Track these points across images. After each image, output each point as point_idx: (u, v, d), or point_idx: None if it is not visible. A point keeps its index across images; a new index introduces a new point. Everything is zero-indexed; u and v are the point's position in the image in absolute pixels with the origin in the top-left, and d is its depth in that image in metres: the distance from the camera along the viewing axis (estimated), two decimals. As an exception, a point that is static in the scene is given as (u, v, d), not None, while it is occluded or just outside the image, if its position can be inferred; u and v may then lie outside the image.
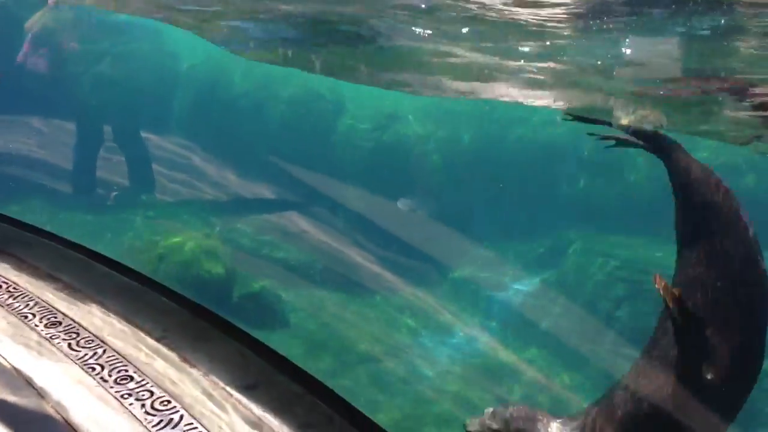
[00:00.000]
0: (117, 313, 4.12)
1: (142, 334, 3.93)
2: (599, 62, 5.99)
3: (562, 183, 9.23)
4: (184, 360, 3.71)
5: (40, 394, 3.33)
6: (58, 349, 3.71)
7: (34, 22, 11.40)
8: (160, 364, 3.65)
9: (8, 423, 3.13)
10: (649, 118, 5.57)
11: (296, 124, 11.26)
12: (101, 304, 4.21)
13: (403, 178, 10.17)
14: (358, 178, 10.34)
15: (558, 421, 4.25)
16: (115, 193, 10.51)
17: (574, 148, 9.56)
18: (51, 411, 3.23)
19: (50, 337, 3.80)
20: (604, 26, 5.12)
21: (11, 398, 3.29)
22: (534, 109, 9.94)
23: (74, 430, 3.12)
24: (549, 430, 4.20)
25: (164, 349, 3.80)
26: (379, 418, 3.78)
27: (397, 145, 10.53)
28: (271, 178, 10.57)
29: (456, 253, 8.83)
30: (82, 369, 3.55)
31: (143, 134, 11.67)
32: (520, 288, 8.03)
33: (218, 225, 9.08)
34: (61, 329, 3.90)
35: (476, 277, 8.32)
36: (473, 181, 9.81)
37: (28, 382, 3.41)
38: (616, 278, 7.49)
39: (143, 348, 3.79)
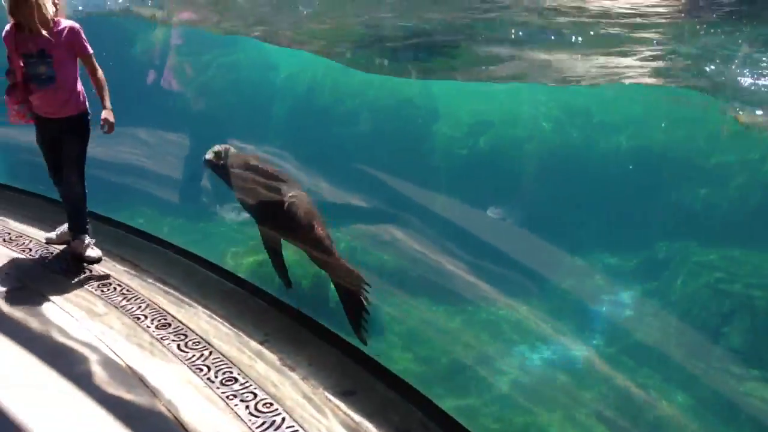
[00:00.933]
0: (222, 317, 4.29)
1: (245, 337, 4.08)
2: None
3: (663, 191, 8.94)
4: (285, 363, 3.84)
5: (153, 392, 3.51)
6: (168, 349, 3.90)
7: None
8: (261, 367, 3.79)
9: (123, 419, 3.32)
10: None
11: (389, 132, 11.38)
12: (207, 307, 4.40)
13: (497, 186, 10.10)
14: (452, 186, 10.34)
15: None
16: (220, 201, 10.89)
17: (676, 154, 9.26)
18: (163, 409, 3.40)
19: (161, 338, 4.00)
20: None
21: (126, 396, 3.49)
22: (634, 114, 9.69)
23: (184, 428, 3.28)
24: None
25: (266, 352, 3.94)
26: (473, 427, 3.78)
27: (491, 152, 10.47)
28: (365, 186, 10.71)
29: (552, 264, 8.69)
30: (191, 369, 3.72)
31: (242, 143, 12.05)
32: (618, 300, 7.83)
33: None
34: (171, 331, 4.10)
35: (572, 288, 8.16)
36: (570, 189, 9.63)
37: (142, 381, 3.60)
38: (723, 292, 7.19)
39: (246, 351, 3.94)
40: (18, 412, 3.33)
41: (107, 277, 4.70)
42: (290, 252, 7.72)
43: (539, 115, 10.69)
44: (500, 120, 10.85)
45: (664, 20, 9.07)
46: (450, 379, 6.26)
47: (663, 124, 9.24)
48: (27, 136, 4.79)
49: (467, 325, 7.35)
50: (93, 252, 4.88)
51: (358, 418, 3.43)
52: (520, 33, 9.44)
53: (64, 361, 3.73)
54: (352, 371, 3.88)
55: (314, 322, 4.37)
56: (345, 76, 11.94)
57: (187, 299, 4.47)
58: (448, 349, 6.82)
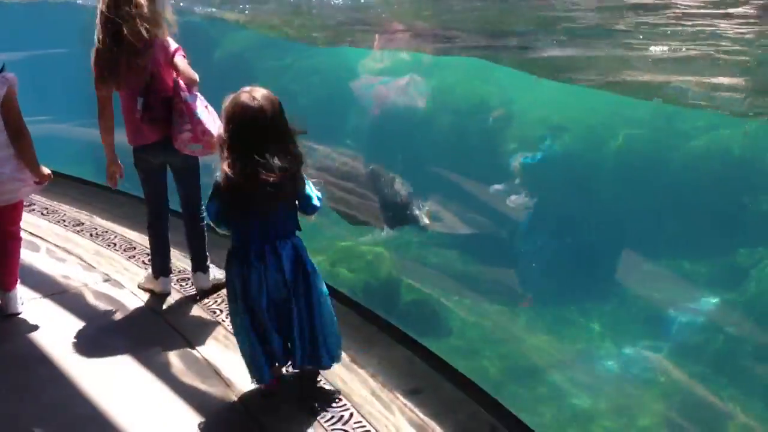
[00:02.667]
0: (293, 313, 4.37)
1: (316, 334, 4.15)
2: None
3: (745, 197, 8.62)
4: (354, 360, 3.89)
5: (227, 383, 3.63)
6: (241, 344, 4.01)
7: None
8: (331, 364, 3.85)
9: (198, 408, 3.45)
10: None
11: (464, 134, 11.36)
12: (280, 304, 4.49)
13: (571, 189, 9.94)
14: (527, 188, 10.24)
15: None
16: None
17: (760, 158, 8.91)
18: (235, 400, 3.51)
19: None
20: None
21: (201, 386, 3.62)
22: (718, 117, 9.37)
23: (255, 420, 3.37)
24: None
25: (336, 349, 4.00)
26: (541, 430, 3.75)
27: (565, 154, 10.32)
28: (436, 187, 10.71)
29: (627, 269, 8.50)
30: (264, 365, 3.81)
31: (318, 145, 12.25)
32: (696, 308, 7.60)
33: (386, 233, 9.34)
34: (245, 325, 4.20)
35: (648, 294, 7.97)
36: (649, 193, 9.40)
37: (216, 373, 3.73)
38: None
39: (316, 347, 4.01)
40: (102, 399, 3.50)
41: (185, 272, 4.87)
42: (362, 255, 7.84)
43: (620, 117, 10.48)
44: (580, 121, 10.69)
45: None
46: (519, 382, 6.22)
47: (747, 128, 8.90)
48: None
49: (539, 329, 7.28)
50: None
51: (424, 416, 3.45)
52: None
53: (145, 351, 3.89)
54: (420, 370, 3.91)
55: (384, 321, 4.42)
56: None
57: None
58: (518, 351, 6.77)
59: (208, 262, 4.59)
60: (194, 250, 4.56)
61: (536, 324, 7.41)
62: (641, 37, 8.55)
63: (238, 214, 3.32)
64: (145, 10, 3.94)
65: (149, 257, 4.67)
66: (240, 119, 3.19)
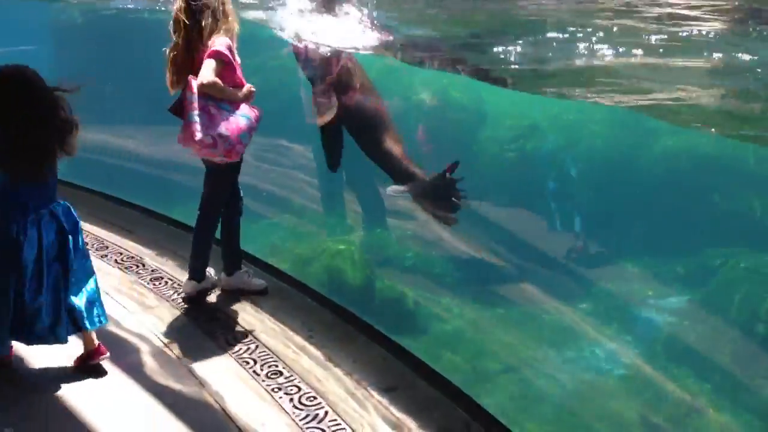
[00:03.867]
0: (268, 312, 4.39)
1: (291, 333, 4.17)
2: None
3: (712, 198, 8.77)
4: (329, 359, 3.90)
5: (201, 383, 3.62)
6: (216, 343, 4.00)
7: None
8: (306, 362, 3.86)
9: (171, 408, 3.43)
10: None
11: (437, 134, 11.40)
12: (254, 302, 4.50)
13: (544, 189, 10.03)
14: (499, 188, 10.30)
15: None
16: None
17: (728, 160, 9.06)
18: (210, 399, 3.50)
19: (209, 332, 4.11)
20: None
21: (175, 386, 3.60)
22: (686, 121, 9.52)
23: (230, 418, 3.36)
24: None
25: (311, 348, 4.01)
26: (515, 427, 3.79)
27: (538, 155, 10.41)
28: (413, 189, 10.73)
29: (598, 267, 8.60)
30: (237, 362, 3.82)
31: (292, 144, 12.21)
32: (665, 305, 7.70)
33: (360, 232, 9.34)
34: (219, 325, 4.20)
35: (619, 292, 8.06)
36: (619, 193, 9.51)
37: (191, 372, 3.71)
38: (774, 299, 7.03)
39: (291, 345, 4.02)
40: (73, 399, 3.46)
41: (157, 270, 4.84)
42: (336, 253, 7.83)
43: (590, 120, 10.59)
44: (549, 124, 10.78)
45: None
46: (493, 380, 6.25)
47: (713, 130, 9.04)
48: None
49: (512, 327, 7.32)
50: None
51: (400, 414, 3.47)
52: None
53: (117, 350, 3.85)
54: (395, 368, 3.93)
55: (359, 320, 4.44)
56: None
57: (234, 294, 4.57)
58: (492, 350, 6.80)
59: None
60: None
61: (510, 322, 7.45)
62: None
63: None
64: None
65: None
66: None
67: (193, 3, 4.01)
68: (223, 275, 4.61)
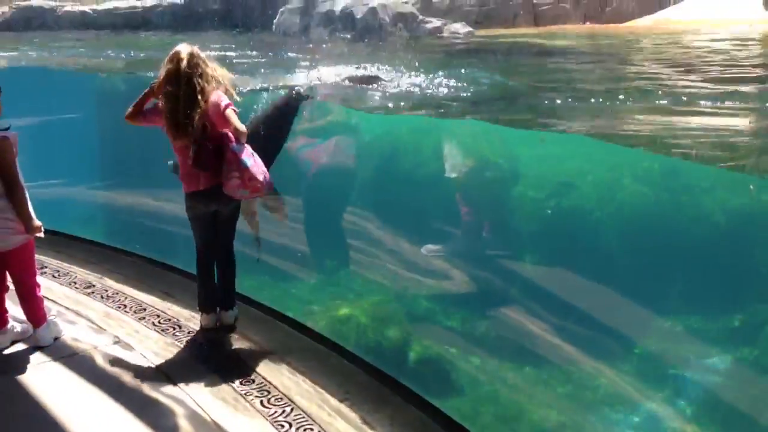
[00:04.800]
0: (303, 373, 4.36)
1: (326, 395, 4.13)
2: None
3: (758, 252, 8.59)
4: (365, 421, 3.85)
5: (236, 446, 3.59)
6: (251, 405, 3.98)
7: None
8: (342, 425, 3.81)
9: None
10: None
11: (471, 192, 11.42)
12: (289, 364, 4.48)
13: (581, 247, 9.93)
14: (534, 247, 10.23)
15: None
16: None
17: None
18: (245, 463, 3.46)
19: (245, 394, 4.10)
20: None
21: (211, 449, 3.58)
22: (721, 174, 9.43)
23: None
24: None
25: (346, 410, 3.96)
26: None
27: (574, 212, 10.35)
28: (445, 247, 10.72)
29: (639, 326, 8.41)
30: (273, 425, 3.79)
31: (326, 203, 12.34)
32: (710, 365, 7.48)
33: (395, 292, 9.31)
34: (254, 387, 4.19)
35: (662, 351, 7.86)
36: (658, 248, 9.38)
37: (226, 435, 3.69)
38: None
39: (326, 408, 3.98)
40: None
41: (196, 333, 4.87)
42: (364, 312, 7.82)
43: (629, 175, 10.54)
44: (582, 180, 10.75)
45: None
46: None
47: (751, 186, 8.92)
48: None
49: (551, 388, 7.17)
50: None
51: (437, 479, 3.39)
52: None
53: (153, 413, 3.86)
54: (432, 431, 3.86)
55: (395, 381, 4.39)
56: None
57: (270, 355, 4.57)
58: (530, 412, 6.66)
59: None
60: (225, 291, 4.97)
61: (549, 383, 7.30)
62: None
63: None
64: (206, 69, 4.51)
65: (158, 318, 5.03)
66: None
67: (192, 63, 4.48)
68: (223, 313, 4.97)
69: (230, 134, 4.53)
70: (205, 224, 4.80)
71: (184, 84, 4.43)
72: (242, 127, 4.53)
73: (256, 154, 4.59)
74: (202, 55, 4.56)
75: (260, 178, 4.51)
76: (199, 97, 4.43)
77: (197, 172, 4.56)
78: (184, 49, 4.52)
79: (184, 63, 4.45)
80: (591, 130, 9.31)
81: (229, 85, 4.65)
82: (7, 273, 4.55)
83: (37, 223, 4.42)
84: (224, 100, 4.53)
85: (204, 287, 4.91)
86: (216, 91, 4.54)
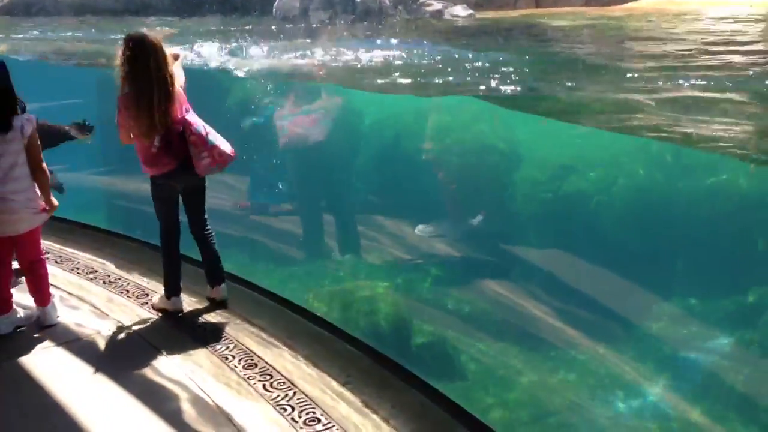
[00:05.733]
0: (305, 357, 4.38)
1: (328, 378, 4.14)
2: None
3: (761, 235, 8.58)
4: (366, 405, 3.87)
5: (239, 430, 3.61)
6: (254, 389, 4.01)
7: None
8: (344, 408, 3.84)
9: (211, 455, 3.43)
10: None
11: (473, 176, 11.41)
12: (291, 348, 4.50)
13: (582, 230, 9.94)
14: (535, 230, 10.25)
15: None
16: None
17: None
18: (248, 446, 3.49)
19: (247, 378, 4.12)
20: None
21: (214, 433, 3.60)
22: (725, 158, 9.41)
23: (268, 466, 3.34)
24: None
25: (348, 394, 3.98)
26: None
27: (575, 195, 10.34)
28: (448, 231, 10.74)
29: (642, 309, 8.44)
30: (275, 409, 3.81)
31: (328, 188, 12.35)
32: (712, 347, 7.51)
33: (397, 276, 9.34)
34: (257, 371, 4.21)
35: (664, 334, 7.89)
36: (660, 232, 9.38)
37: (229, 419, 3.71)
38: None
39: (329, 392, 4.00)
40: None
41: (197, 317, 4.89)
42: (373, 298, 7.84)
43: (623, 159, 10.52)
44: (584, 163, 10.73)
45: None
46: (534, 427, 6.14)
47: (752, 166, 8.91)
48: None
49: (553, 370, 7.21)
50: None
51: (439, 461, 3.41)
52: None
53: (157, 397, 3.89)
54: (434, 414, 3.88)
55: (397, 365, 4.40)
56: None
57: (272, 340, 4.59)
58: (533, 394, 6.69)
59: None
60: (211, 266, 5.00)
61: (552, 366, 7.34)
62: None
63: None
64: (165, 54, 4.41)
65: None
66: None
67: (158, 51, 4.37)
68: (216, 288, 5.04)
69: (190, 119, 4.56)
70: (172, 204, 4.82)
71: (155, 79, 4.31)
72: (181, 79, 4.60)
73: (210, 128, 4.65)
74: (156, 38, 4.41)
75: (227, 150, 4.64)
76: (171, 88, 4.39)
77: (162, 155, 4.54)
78: (145, 39, 4.33)
79: (152, 54, 4.30)
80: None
81: (175, 63, 4.57)
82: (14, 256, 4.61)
83: (56, 202, 4.59)
84: (181, 77, 4.61)
85: (171, 269, 4.90)
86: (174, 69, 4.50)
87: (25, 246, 4.57)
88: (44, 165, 4.47)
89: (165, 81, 4.35)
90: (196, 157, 4.56)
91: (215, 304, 5.01)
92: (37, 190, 4.48)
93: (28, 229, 4.50)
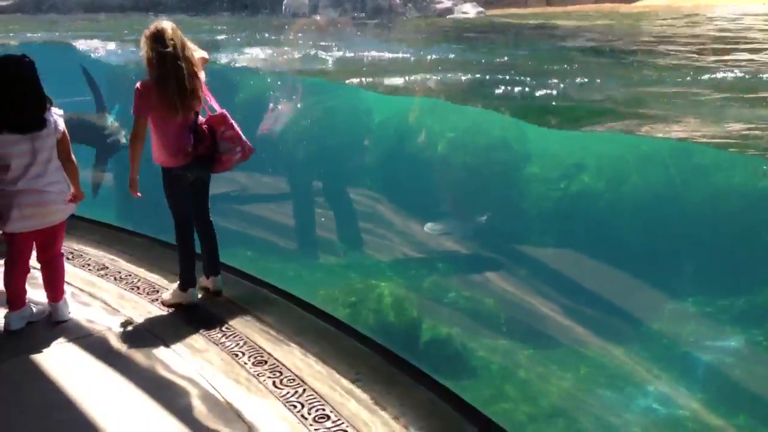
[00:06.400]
0: (315, 355, 4.39)
1: (338, 375, 4.16)
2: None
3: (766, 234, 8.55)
4: (376, 402, 3.88)
5: (249, 427, 3.63)
6: (264, 386, 4.03)
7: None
8: (353, 405, 3.85)
9: (221, 451, 3.45)
10: None
11: (482, 174, 11.40)
12: (301, 345, 4.51)
13: (590, 228, 9.92)
14: (544, 228, 10.23)
15: None
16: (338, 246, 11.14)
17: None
18: (258, 443, 3.51)
19: (257, 375, 4.14)
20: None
21: (224, 429, 3.62)
22: (736, 157, 9.37)
23: (278, 462, 3.36)
24: None
25: (357, 391, 4.00)
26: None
27: (584, 194, 10.32)
28: (456, 228, 10.73)
29: (650, 307, 8.42)
30: (285, 406, 3.83)
31: (337, 186, 12.36)
32: (722, 346, 7.49)
33: (405, 273, 9.35)
34: (267, 368, 4.23)
35: (672, 332, 7.87)
36: (670, 231, 9.35)
37: (239, 415, 3.73)
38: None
39: (338, 389, 4.01)
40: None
41: (208, 314, 4.91)
42: (383, 295, 7.85)
43: (636, 157, 10.49)
44: (594, 163, 10.71)
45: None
46: (543, 424, 6.14)
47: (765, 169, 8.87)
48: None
49: (561, 369, 7.20)
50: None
51: (448, 458, 3.42)
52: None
53: (167, 394, 3.91)
54: (443, 411, 3.89)
55: (405, 362, 4.42)
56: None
57: (282, 337, 4.61)
58: (541, 392, 6.69)
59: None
60: (210, 256, 5.13)
61: (559, 363, 7.33)
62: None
63: None
64: (189, 43, 4.59)
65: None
66: None
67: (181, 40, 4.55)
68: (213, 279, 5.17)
69: (224, 112, 4.73)
70: (186, 196, 4.90)
71: (182, 61, 4.47)
72: (206, 54, 4.85)
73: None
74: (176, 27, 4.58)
75: (249, 144, 4.80)
76: (194, 70, 4.55)
77: (184, 147, 4.65)
78: (168, 26, 4.52)
79: (176, 41, 4.48)
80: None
81: (200, 57, 4.73)
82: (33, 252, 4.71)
83: (83, 192, 4.72)
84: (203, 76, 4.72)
85: (187, 261, 4.98)
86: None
87: (51, 239, 4.65)
88: (73, 156, 4.60)
89: (189, 63, 4.50)
90: (230, 152, 4.70)
91: (210, 294, 5.14)
92: (67, 180, 4.61)
93: (61, 221, 4.63)
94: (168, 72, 4.47)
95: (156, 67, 4.48)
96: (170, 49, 4.45)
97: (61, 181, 4.55)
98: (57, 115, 4.47)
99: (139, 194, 4.75)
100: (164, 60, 4.46)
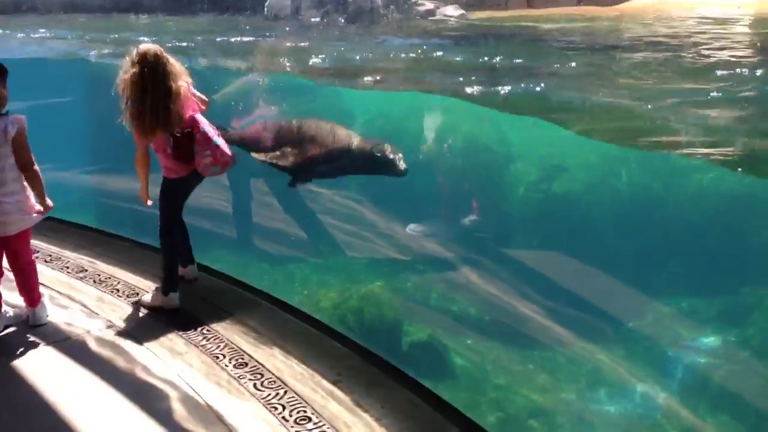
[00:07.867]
0: (296, 357, 4.39)
1: (319, 377, 4.16)
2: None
3: (749, 235, 8.64)
4: (357, 404, 3.88)
5: (230, 429, 3.62)
6: (245, 388, 4.01)
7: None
8: (335, 407, 3.85)
9: (201, 454, 3.43)
10: None
11: (464, 176, 11.43)
12: (282, 347, 4.50)
13: (572, 229, 9.97)
14: (528, 229, 10.27)
15: None
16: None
17: (762, 198, 8.96)
18: (238, 445, 3.49)
19: (238, 377, 4.13)
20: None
21: (204, 432, 3.60)
22: (714, 159, 9.48)
23: (258, 464, 3.35)
24: None
25: (338, 392, 4.00)
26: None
27: (565, 195, 10.38)
28: (438, 230, 10.75)
29: (629, 308, 8.48)
30: (266, 408, 3.82)
31: (319, 188, 12.33)
32: (701, 346, 7.56)
33: (388, 275, 9.34)
34: (248, 370, 4.21)
35: (650, 332, 7.93)
36: (648, 232, 9.43)
37: (219, 418, 3.72)
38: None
39: (320, 390, 4.01)
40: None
41: (189, 316, 4.88)
42: (362, 296, 7.84)
43: (612, 159, 10.57)
44: (576, 163, 10.77)
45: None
46: (523, 424, 6.16)
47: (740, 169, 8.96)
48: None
49: (542, 370, 7.23)
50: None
51: (429, 460, 3.43)
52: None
53: (147, 397, 3.89)
54: (424, 413, 3.90)
55: (387, 364, 4.42)
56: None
57: (263, 339, 4.59)
58: (522, 393, 6.72)
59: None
60: (187, 247, 5.35)
61: (540, 364, 7.37)
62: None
63: None
64: (175, 66, 4.64)
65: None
66: None
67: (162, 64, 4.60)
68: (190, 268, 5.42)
69: (197, 117, 4.78)
70: (183, 202, 5.04)
71: (159, 85, 4.51)
72: (205, 97, 5.00)
73: (217, 133, 4.89)
74: (164, 53, 4.64)
75: (228, 152, 4.86)
76: (173, 94, 4.57)
77: (177, 158, 4.78)
78: (150, 51, 4.57)
79: (155, 66, 4.53)
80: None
81: (186, 75, 4.77)
82: (4, 259, 4.61)
83: (50, 203, 4.59)
84: (190, 87, 4.80)
85: (173, 264, 5.03)
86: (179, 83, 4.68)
87: (15, 248, 4.56)
88: (36, 166, 4.46)
89: (168, 86, 4.54)
90: (199, 154, 4.75)
91: (186, 282, 5.26)
92: (29, 193, 4.48)
93: (19, 231, 4.50)
94: (141, 95, 4.53)
95: (134, 91, 4.55)
96: (148, 72, 4.51)
97: (19, 191, 4.43)
98: (9, 122, 4.28)
99: (150, 202, 4.96)
100: (138, 83, 4.52)
